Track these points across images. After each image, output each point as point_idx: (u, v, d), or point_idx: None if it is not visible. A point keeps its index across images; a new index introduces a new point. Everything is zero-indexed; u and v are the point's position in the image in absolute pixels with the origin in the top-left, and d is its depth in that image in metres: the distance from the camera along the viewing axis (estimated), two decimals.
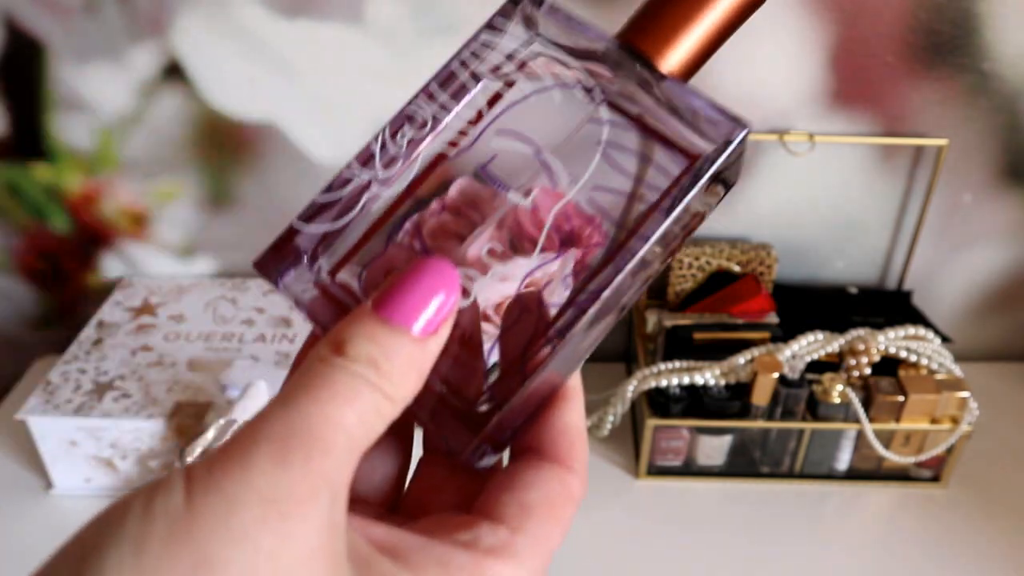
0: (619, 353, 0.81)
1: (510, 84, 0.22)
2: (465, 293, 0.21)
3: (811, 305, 0.74)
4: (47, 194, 0.77)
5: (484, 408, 0.21)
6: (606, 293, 0.21)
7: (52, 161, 0.74)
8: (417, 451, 0.25)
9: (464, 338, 0.21)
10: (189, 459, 0.57)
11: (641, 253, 0.21)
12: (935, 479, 0.67)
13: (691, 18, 0.22)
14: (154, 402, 0.64)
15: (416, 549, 0.20)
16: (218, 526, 0.16)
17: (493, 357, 0.22)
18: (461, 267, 0.21)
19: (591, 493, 0.66)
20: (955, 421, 0.63)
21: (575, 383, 0.24)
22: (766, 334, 0.67)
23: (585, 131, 0.22)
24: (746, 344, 0.67)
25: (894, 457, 0.64)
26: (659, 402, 0.64)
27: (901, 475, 0.67)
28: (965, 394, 0.63)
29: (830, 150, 0.72)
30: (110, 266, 0.82)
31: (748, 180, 0.74)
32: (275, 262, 0.22)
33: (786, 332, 0.68)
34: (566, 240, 0.22)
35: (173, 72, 0.70)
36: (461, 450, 0.21)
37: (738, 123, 0.21)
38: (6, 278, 0.83)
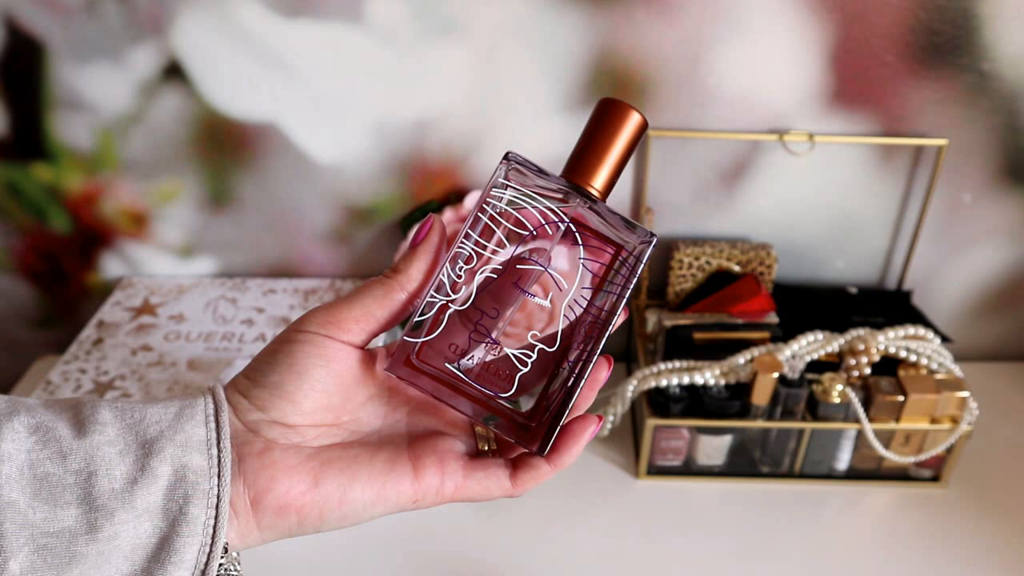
0: (619, 353, 0.81)
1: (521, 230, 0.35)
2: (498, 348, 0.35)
3: (811, 305, 0.74)
4: (47, 194, 0.77)
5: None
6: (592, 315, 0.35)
7: (52, 161, 0.74)
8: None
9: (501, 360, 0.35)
10: None
11: (608, 307, 0.34)
12: (935, 479, 0.67)
13: (605, 155, 0.34)
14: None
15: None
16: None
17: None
18: (495, 332, 0.34)
19: (591, 493, 0.66)
20: (955, 421, 0.64)
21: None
22: (766, 334, 0.68)
23: (566, 253, 0.34)
24: (746, 344, 0.67)
25: (894, 457, 0.64)
26: (659, 402, 0.65)
27: (901, 475, 0.68)
28: (965, 394, 0.63)
29: (830, 150, 0.72)
30: (110, 266, 0.82)
31: (748, 180, 0.74)
32: (398, 365, 0.34)
33: (786, 332, 0.68)
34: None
35: (173, 72, 0.70)
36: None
37: (650, 232, 0.34)
38: (6, 278, 0.83)
